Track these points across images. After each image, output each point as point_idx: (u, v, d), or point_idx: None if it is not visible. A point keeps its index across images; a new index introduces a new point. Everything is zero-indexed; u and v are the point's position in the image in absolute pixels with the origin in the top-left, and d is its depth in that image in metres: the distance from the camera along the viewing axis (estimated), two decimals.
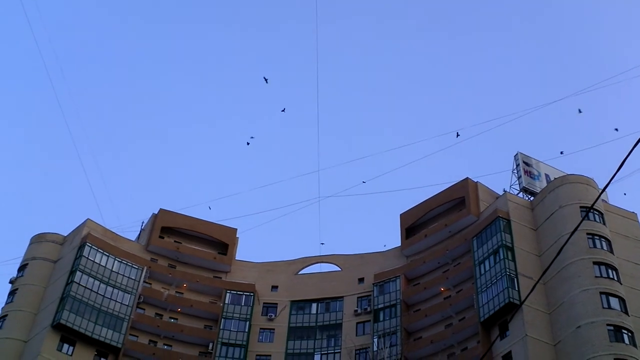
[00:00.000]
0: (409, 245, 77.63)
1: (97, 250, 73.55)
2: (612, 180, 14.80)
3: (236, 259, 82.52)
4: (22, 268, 74.82)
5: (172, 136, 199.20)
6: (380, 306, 73.89)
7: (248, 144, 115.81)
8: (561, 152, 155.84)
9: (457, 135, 78.51)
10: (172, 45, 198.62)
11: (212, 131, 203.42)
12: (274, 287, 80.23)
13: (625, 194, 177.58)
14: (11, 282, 73.84)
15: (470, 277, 69.32)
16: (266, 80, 79.68)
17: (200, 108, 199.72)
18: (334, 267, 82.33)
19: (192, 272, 78.50)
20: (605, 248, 63.66)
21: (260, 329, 76.42)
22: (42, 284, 73.17)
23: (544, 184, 73.93)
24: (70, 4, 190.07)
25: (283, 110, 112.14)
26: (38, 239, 77.46)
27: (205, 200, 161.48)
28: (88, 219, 76.94)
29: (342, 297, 77.83)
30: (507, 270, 64.22)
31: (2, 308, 71.52)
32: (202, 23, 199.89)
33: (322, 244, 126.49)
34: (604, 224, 66.04)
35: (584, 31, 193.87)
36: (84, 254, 72.16)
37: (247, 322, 75.60)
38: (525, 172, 75.29)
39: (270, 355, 74.38)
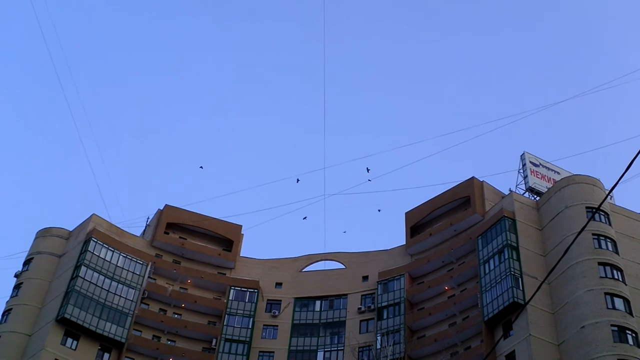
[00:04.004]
0: (414, 243, 77.51)
1: (102, 245, 73.69)
2: (619, 181, 14.71)
3: (241, 255, 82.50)
4: (27, 262, 75.04)
5: (178, 132, 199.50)
6: (384, 304, 73.84)
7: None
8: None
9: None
10: (178, 42, 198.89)
11: (218, 127, 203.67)
12: (278, 284, 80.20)
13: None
14: (16, 276, 74.08)
15: (474, 276, 69.21)
16: None
17: (207, 104, 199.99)
18: (338, 265, 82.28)
19: (196, 268, 78.61)
20: (610, 249, 63.45)
21: (264, 325, 76.44)
22: (47, 278, 73.37)
23: (550, 183, 73.74)
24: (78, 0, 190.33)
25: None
26: (43, 234, 77.68)
27: (210, 197, 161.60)
28: (93, 214, 77.14)
29: (346, 294, 77.76)
30: (512, 269, 64.08)
31: (7, 302, 71.78)
32: (207, 20, 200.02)
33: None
34: (610, 224, 65.84)
35: (592, 32, 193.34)
36: (89, 249, 72.34)
37: (251, 319, 75.63)
38: (532, 172, 75.05)
39: (273, 352, 74.39)
